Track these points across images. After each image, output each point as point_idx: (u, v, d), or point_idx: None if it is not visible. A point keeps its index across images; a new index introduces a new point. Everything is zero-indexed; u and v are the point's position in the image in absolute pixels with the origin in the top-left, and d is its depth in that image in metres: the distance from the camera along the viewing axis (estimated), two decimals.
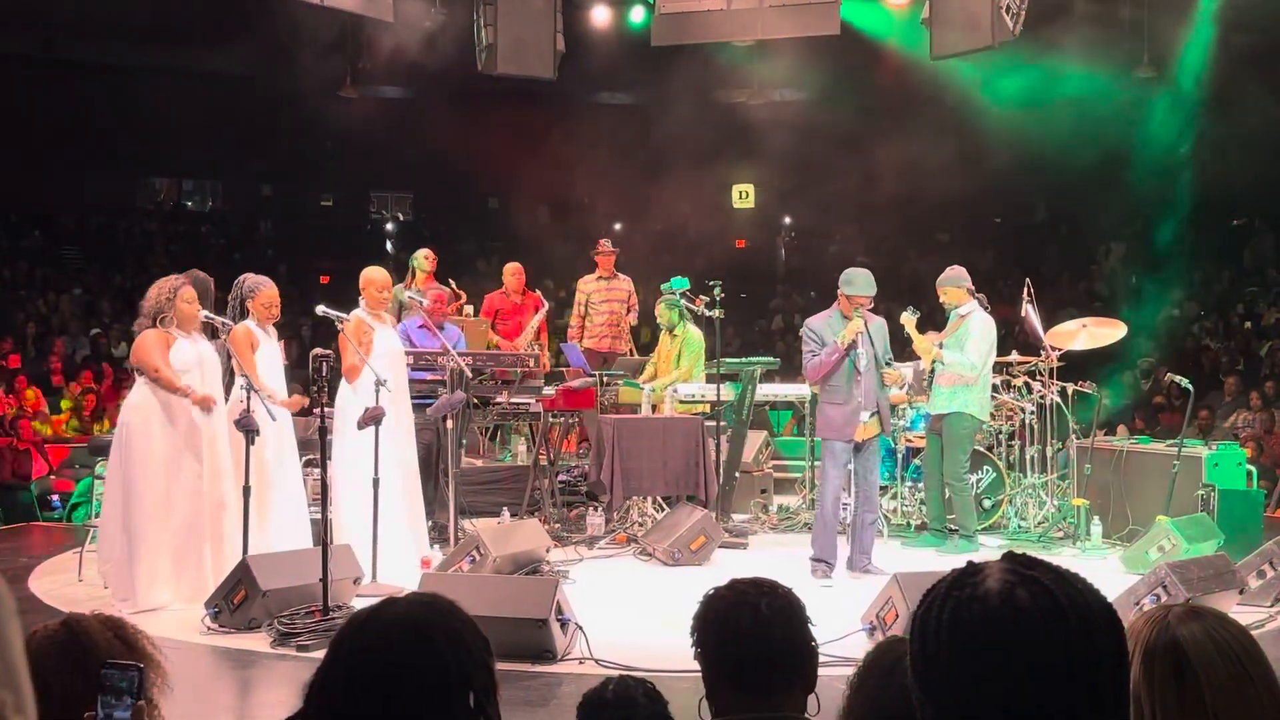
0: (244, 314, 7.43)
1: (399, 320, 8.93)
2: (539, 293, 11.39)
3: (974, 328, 8.70)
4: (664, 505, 9.22)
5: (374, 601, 1.77)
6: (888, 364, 7.81)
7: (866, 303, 7.66)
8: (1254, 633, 1.92)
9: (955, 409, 8.65)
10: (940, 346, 8.78)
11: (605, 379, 9.62)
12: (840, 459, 7.68)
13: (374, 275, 7.86)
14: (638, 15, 13.79)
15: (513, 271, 11.14)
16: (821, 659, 2.47)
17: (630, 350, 11.20)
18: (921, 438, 9.38)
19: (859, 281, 7.68)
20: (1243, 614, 5.93)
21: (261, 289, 7.44)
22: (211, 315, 7.07)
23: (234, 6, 14.60)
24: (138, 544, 6.70)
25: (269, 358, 7.43)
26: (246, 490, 6.66)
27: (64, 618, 2.09)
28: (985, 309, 8.91)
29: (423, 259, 10.46)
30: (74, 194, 21.90)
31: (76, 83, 20.02)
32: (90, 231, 21.91)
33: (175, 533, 6.82)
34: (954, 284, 8.89)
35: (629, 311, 11.17)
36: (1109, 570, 7.80)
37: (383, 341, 7.72)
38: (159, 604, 6.65)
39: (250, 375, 6.98)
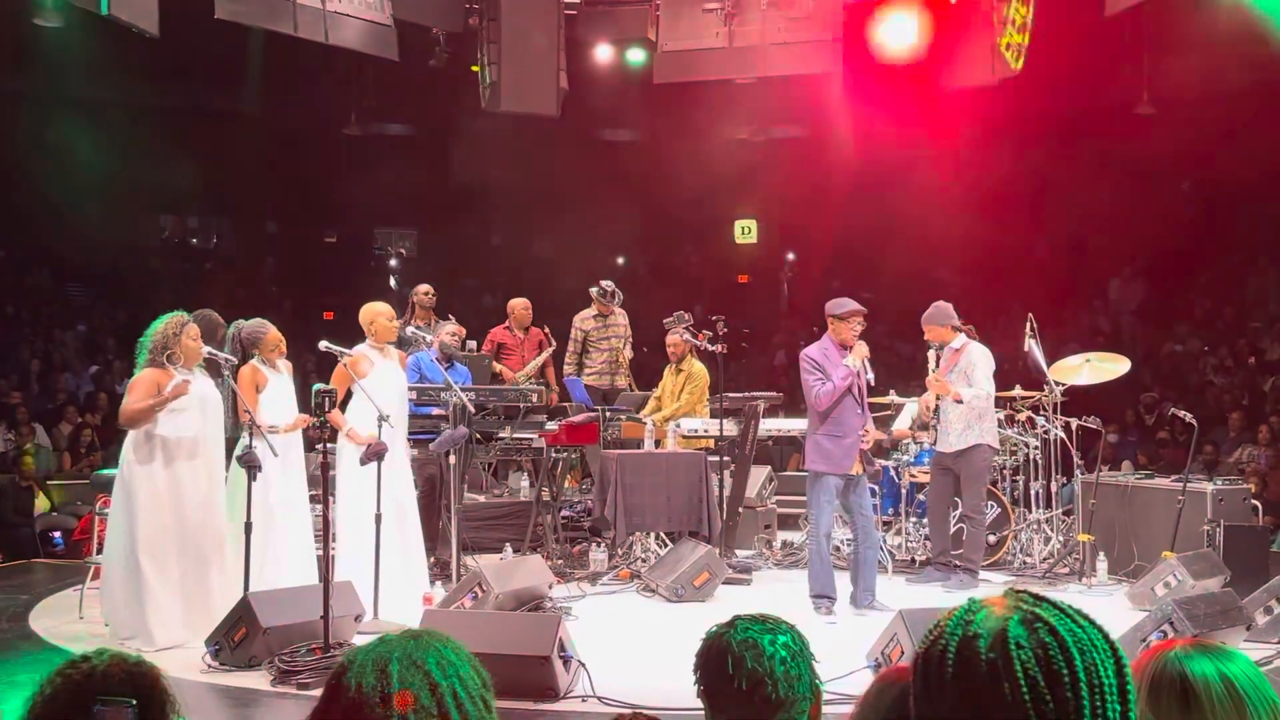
0: (246, 359, 7.43)
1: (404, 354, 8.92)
2: (547, 330, 11.35)
3: (976, 358, 8.70)
4: (667, 541, 9.19)
5: (371, 638, 1.75)
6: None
7: (863, 321, 7.68)
8: (1262, 669, 1.91)
9: (972, 442, 8.63)
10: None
11: (608, 414, 9.60)
12: (833, 492, 7.66)
13: (367, 308, 7.92)
14: (639, 54, 13.86)
15: (522, 306, 11.18)
16: (826, 696, 2.45)
17: (630, 385, 11.16)
18: (926, 472, 9.34)
19: (848, 302, 7.77)
20: (1249, 651, 5.89)
21: (265, 332, 7.47)
22: (215, 352, 7.07)
23: (239, 44, 14.69)
24: (145, 582, 6.67)
25: (280, 392, 7.45)
26: (248, 527, 6.64)
27: (79, 658, 2.05)
28: (976, 339, 8.94)
29: (422, 294, 10.57)
30: (79, 231, 21.97)
31: (81, 120, 20.11)
32: (95, 268, 21.96)
33: (183, 569, 6.80)
34: (940, 322, 8.88)
35: (625, 345, 11.12)
36: (1115, 606, 7.76)
37: (380, 375, 7.70)
38: (174, 642, 6.61)
39: (252, 412, 6.98)
